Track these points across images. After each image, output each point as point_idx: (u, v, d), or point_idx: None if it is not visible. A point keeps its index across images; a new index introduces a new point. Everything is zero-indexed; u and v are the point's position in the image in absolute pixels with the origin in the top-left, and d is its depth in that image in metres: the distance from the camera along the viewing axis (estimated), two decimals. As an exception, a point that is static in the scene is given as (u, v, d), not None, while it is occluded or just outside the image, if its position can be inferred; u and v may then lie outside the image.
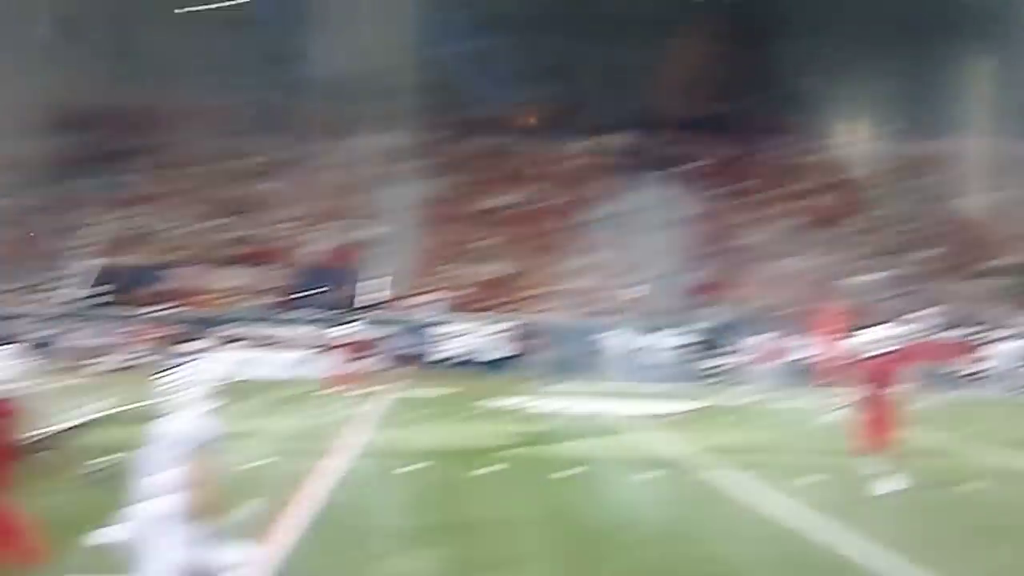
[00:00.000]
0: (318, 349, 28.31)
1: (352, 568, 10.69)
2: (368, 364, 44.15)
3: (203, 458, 7.60)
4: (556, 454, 20.63)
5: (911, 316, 40.14)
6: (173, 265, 55.59)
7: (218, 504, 7.67)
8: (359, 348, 42.75)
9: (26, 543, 8.32)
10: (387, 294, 53.62)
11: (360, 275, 54.81)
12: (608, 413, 29.72)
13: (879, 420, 16.57)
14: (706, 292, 52.67)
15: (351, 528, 12.56)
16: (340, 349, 29.30)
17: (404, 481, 16.62)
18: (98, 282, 54.51)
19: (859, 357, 16.92)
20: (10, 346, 8.94)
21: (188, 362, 8.18)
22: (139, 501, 7.63)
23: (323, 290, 51.29)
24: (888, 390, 16.69)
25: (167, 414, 7.75)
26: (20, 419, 8.46)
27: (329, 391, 27.60)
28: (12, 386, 8.59)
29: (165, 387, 7.83)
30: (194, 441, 7.61)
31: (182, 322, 47.03)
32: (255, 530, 8.43)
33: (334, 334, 30.21)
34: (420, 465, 18.04)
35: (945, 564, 11.75)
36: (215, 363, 8.13)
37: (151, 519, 7.53)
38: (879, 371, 16.67)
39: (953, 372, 42.14)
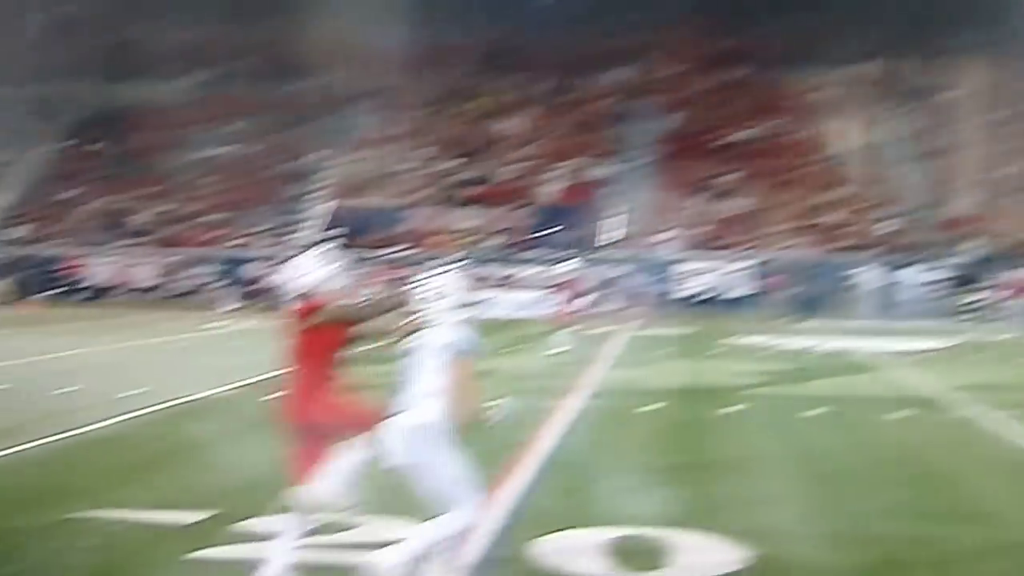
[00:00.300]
0: (554, 288, 28.38)
1: (591, 507, 10.64)
2: (606, 303, 44.23)
3: (461, 365, 7.69)
4: (803, 393, 20.30)
5: None
6: (409, 207, 56.43)
7: (478, 409, 7.73)
8: (597, 287, 42.77)
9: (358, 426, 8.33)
10: (625, 232, 53.53)
11: (598, 213, 54.80)
12: (858, 351, 29.20)
13: None
14: (961, 225, 51.23)
15: (589, 467, 12.51)
16: (576, 288, 29.28)
17: (643, 421, 16.52)
18: (334, 224, 55.68)
19: None
20: (322, 247, 9.06)
21: (440, 274, 8.23)
22: (401, 411, 7.71)
23: (560, 229, 51.47)
24: None
25: (427, 324, 7.82)
26: (335, 312, 8.56)
27: (565, 330, 27.63)
28: (325, 284, 8.76)
29: (420, 298, 7.93)
30: (453, 348, 7.69)
31: (417, 264, 47.68)
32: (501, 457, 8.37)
33: (569, 273, 30.19)
34: (660, 405, 17.92)
35: None
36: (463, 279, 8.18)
37: (414, 428, 7.62)
38: None
39: None
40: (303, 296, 8.71)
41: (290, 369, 8.55)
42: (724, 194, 56.10)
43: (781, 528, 9.91)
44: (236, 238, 56.81)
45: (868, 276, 46.78)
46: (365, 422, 8.20)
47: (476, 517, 7.85)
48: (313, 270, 8.78)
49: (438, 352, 7.68)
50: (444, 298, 7.92)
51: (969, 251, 48.21)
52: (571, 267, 30.60)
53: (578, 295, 29.04)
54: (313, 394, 8.44)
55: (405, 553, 7.67)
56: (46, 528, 9.53)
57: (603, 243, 52.42)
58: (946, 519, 10.57)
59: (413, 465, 7.66)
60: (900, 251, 49.65)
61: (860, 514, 10.62)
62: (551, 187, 57.06)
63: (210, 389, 19.22)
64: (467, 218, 55.03)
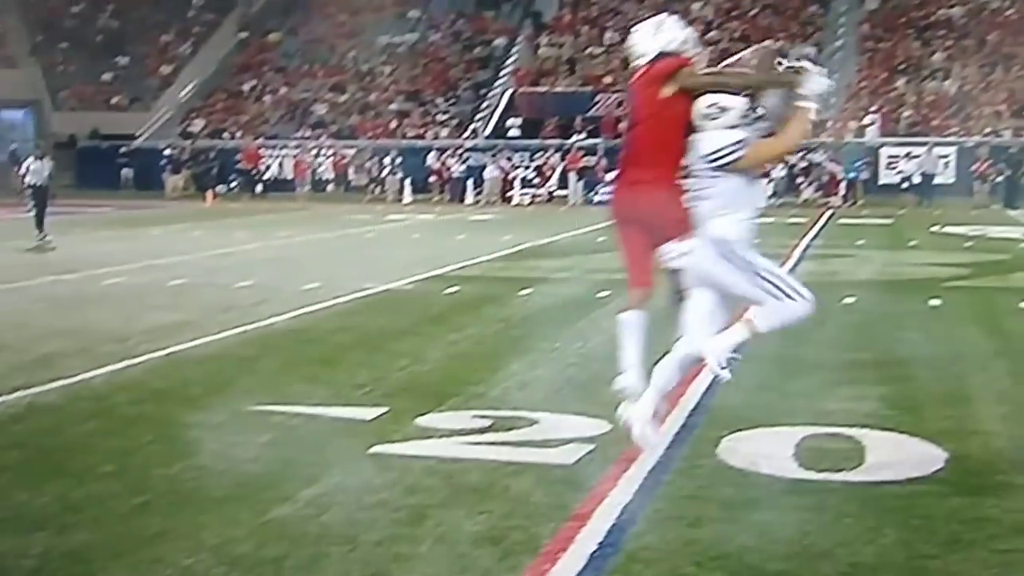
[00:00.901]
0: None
1: (781, 404, 10.59)
2: (803, 190, 43.68)
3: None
4: (1010, 285, 19.88)
5: None
6: (596, 92, 56.16)
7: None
8: (794, 174, 42.17)
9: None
10: (826, 116, 52.67)
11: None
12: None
13: None
14: None
15: (780, 364, 12.43)
16: (769, 176, 29.01)
17: (838, 314, 16.31)
18: (521, 111, 55.81)
19: None
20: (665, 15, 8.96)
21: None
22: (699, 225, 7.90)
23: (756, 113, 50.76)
24: None
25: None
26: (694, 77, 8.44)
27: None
28: (681, 47, 8.67)
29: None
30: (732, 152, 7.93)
31: (607, 152, 47.39)
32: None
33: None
34: (856, 297, 17.72)
35: None
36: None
37: (710, 243, 7.79)
38: None
39: None
40: (654, 60, 8.51)
41: (629, 150, 8.44)
42: (930, 75, 54.82)
43: (982, 428, 9.74)
44: (417, 128, 57.24)
45: (1086, 162, 45.49)
46: (684, 228, 7.96)
47: (807, 309, 7.94)
48: (668, 31, 8.61)
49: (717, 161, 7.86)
50: (726, 113, 7.93)
51: None
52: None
53: (772, 182, 28.80)
54: (649, 181, 8.21)
55: (730, 343, 7.87)
56: (226, 421, 9.82)
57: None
58: None
59: (714, 279, 7.82)
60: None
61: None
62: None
63: (390, 282, 19.53)
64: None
